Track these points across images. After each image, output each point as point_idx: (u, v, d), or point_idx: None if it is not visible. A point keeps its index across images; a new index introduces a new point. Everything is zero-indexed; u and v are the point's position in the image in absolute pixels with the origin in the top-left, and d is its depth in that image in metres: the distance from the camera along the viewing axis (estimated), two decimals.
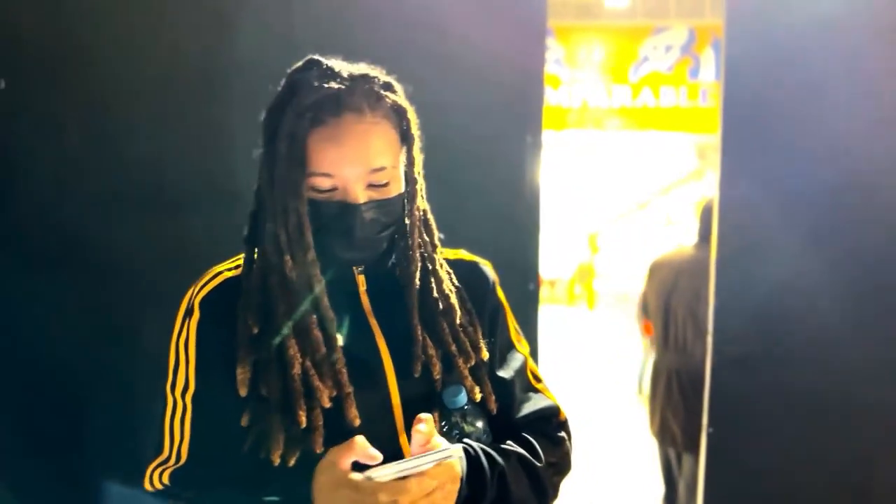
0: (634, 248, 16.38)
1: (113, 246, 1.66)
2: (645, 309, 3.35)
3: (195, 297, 1.01)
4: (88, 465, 1.71)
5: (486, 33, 1.80)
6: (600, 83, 8.58)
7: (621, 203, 17.87)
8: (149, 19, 1.70)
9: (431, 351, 1.02)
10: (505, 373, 1.11)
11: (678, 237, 11.86)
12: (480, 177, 1.81)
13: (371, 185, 0.97)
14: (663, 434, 3.10)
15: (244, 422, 0.95)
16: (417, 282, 1.04)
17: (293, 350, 0.95)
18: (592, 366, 8.26)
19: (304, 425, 0.92)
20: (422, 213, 1.07)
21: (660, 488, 3.35)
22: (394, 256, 1.06)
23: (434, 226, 1.10)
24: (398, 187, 1.01)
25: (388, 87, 1.01)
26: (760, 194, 1.89)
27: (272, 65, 1.39)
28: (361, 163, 0.95)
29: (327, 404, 0.93)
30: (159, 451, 1.03)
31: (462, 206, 1.81)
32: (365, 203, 0.96)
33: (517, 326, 1.19)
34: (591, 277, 15.76)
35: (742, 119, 1.87)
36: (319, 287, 0.96)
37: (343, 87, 0.96)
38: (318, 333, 0.96)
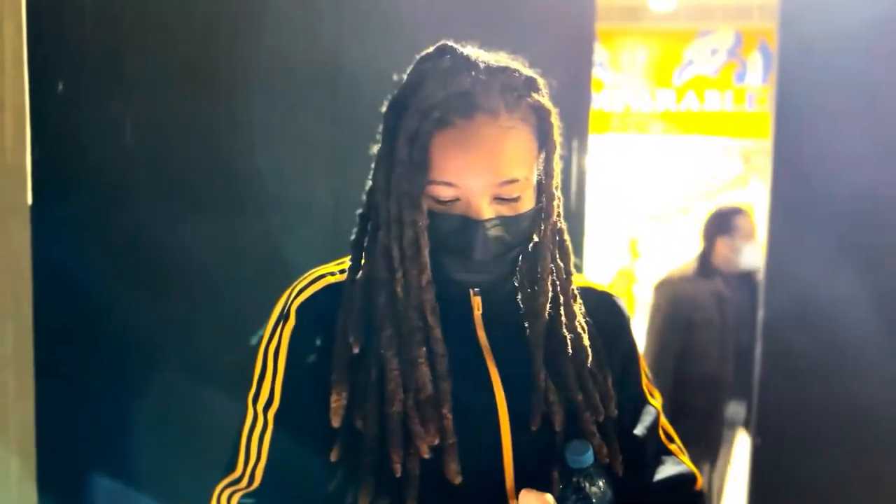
0: (675, 255, 16.11)
1: (174, 246, 1.69)
2: None
3: (291, 301, 0.89)
4: (147, 476, 1.72)
5: (534, 38, 1.79)
6: (644, 87, 8.48)
7: (663, 208, 17.60)
8: (214, 17, 1.73)
9: (554, 398, 0.87)
10: (637, 429, 0.95)
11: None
12: None
13: (499, 199, 0.84)
14: None
15: (334, 456, 0.83)
16: (547, 316, 0.88)
17: (394, 384, 0.81)
18: None
19: (398, 474, 0.80)
20: (558, 233, 0.92)
21: None
22: (515, 280, 0.91)
23: (571, 249, 0.94)
24: (530, 202, 0.87)
25: (530, 83, 0.88)
26: (812, 200, 1.85)
27: (324, 63, 1.36)
28: (490, 173, 0.82)
29: (426, 455, 0.80)
30: (231, 468, 0.89)
31: None
32: (489, 219, 0.83)
33: (650, 374, 1.02)
34: (631, 283, 15.53)
35: (794, 123, 1.83)
36: (433, 316, 0.82)
37: (478, 82, 0.82)
38: (425, 370, 0.82)
